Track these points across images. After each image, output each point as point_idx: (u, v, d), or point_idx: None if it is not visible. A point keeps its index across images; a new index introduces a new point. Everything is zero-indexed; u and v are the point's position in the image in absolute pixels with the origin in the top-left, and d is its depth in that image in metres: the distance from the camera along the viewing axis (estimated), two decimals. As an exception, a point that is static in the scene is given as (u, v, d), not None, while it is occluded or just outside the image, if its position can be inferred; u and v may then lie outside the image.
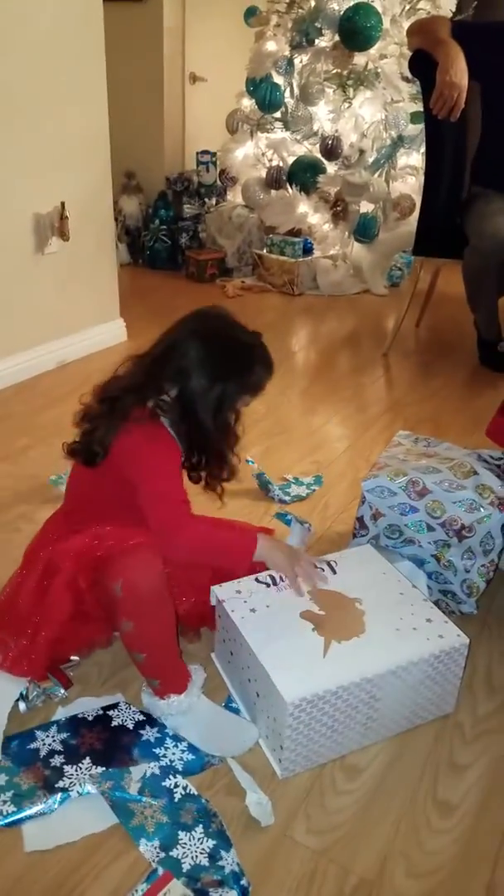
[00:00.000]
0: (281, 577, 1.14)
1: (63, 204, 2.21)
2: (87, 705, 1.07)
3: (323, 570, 1.17)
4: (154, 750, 1.00)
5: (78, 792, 0.93)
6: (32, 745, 1.00)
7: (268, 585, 1.13)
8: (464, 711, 1.13)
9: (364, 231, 3.39)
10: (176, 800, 0.94)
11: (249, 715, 1.08)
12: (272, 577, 1.14)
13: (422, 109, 2.37)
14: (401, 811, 0.97)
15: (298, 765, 0.99)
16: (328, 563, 1.19)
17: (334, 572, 1.17)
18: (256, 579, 1.14)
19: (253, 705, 1.05)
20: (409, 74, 3.20)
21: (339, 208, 3.39)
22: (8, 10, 1.94)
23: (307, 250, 3.42)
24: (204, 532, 1.08)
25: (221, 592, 1.12)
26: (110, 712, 1.06)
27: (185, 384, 1.04)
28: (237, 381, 1.06)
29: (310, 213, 3.43)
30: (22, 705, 1.05)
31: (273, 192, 3.54)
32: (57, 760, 0.98)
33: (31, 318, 2.26)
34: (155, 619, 1.01)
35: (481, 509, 1.21)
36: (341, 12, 3.17)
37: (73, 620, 1.04)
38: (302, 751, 0.98)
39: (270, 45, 3.42)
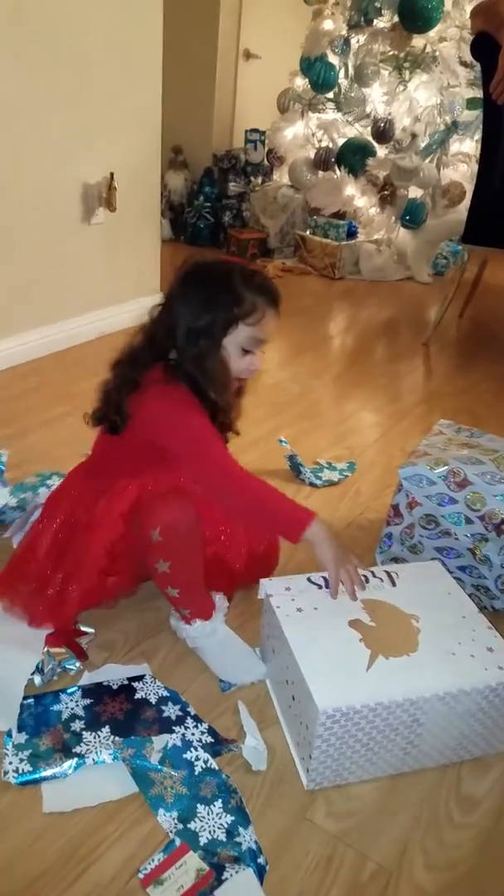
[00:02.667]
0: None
1: (112, 174, 2.20)
2: (113, 672, 1.07)
3: (367, 579, 1.09)
4: (174, 728, 0.99)
5: (94, 760, 0.93)
6: (56, 707, 1.00)
7: (319, 587, 1.07)
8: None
9: (411, 217, 3.32)
10: (196, 773, 0.93)
11: (283, 717, 1.04)
12: (325, 580, 1.08)
13: (478, 96, 2.31)
14: (423, 803, 0.95)
15: (326, 778, 0.95)
16: (387, 574, 1.10)
17: (394, 584, 1.08)
18: (309, 579, 1.09)
19: (288, 708, 1.01)
20: (467, 59, 3.12)
21: (386, 192, 3.32)
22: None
23: (351, 234, 3.37)
24: (262, 491, 1.02)
25: (270, 587, 1.06)
26: (135, 684, 1.05)
27: (178, 333, 1.01)
28: (224, 310, 0.99)
29: (357, 196, 3.38)
30: (37, 678, 1.04)
31: (321, 173, 3.48)
32: (77, 725, 0.98)
33: (74, 287, 2.26)
34: (190, 557, 1.05)
35: (523, 504, 1.18)
36: (402, -8, 3.09)
37: (101, 573, 1.07)
38: (332, 764, 0.93)
39: (327, 24, 3.36)
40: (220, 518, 1.15)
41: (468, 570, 1.26)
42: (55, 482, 1.48)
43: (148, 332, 1.06)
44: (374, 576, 1.10)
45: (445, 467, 1.23)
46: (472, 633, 1.01)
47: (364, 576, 1.08)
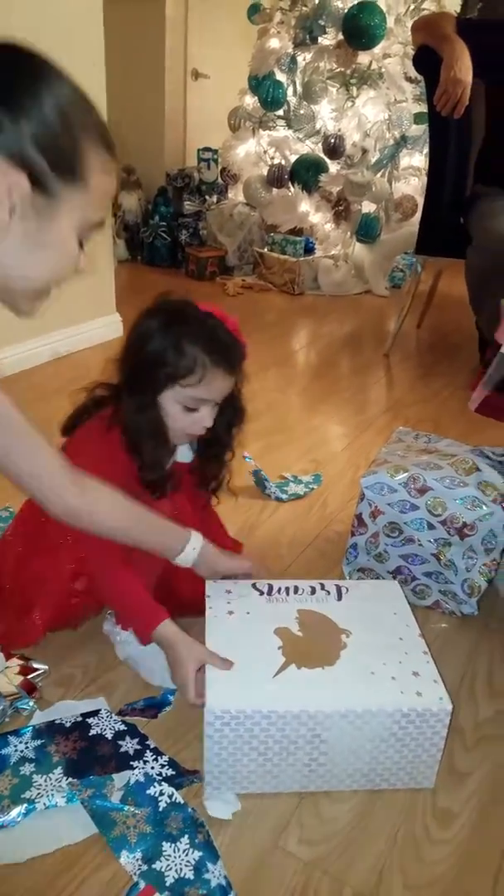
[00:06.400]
0: (279, 590, 1.06)
1: (59, 194, 2.17)
2: (66, 710, 1.01)
3: (314, 590, 1.06)
4: (132, 763, 0.94)
5: (45, 804, 0.87)
6: (5, 751, 0.94)
7: (261, 593, 1.06)
8: (464, 716, 1.08)
9: (366, 231, 3.35)
10: (161, 809, 0.88)
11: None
12: (270, 587, 1.07)
13: (425, 110, 2.34)
14: (399, 820, 0.92)
15: (224, 784, 0.91)
16: (337, 587, 1.08)
17: (339, 598, 1.06)
18: (254, 585, 1.07)
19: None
20: (413, 74, 3.18)
21: (341, 208, 3.36)
22: (6, -5, 1.90)
23: (308, 249, 3.39)
24: (120, 581, 0.98)
25: (211, 588, 1.06)
26: (90, 720, 0.99)
27: (123, 380, 1.01)
28: (163, 367, 0.97)
29: (311, 213, 3.40)
30: None
31: (275, 190, 3.51)
32: (27, 769, 0.91)
33: (25, 310, 2.22)
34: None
35: (483, 507, 1.17)
36: (345, 10, 3.15)
37: (65, 595, 1.05)
38: (227, 769, 0.90)
39: (274, 43, 3.40)
40: None
41: (434, 575, 1.24)
42: None
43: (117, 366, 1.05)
44: (323, 588, 1.08)
45: (405, 474, 1.21)
46: (403, 656, 0.96)
47: (312, 587, 1.07)
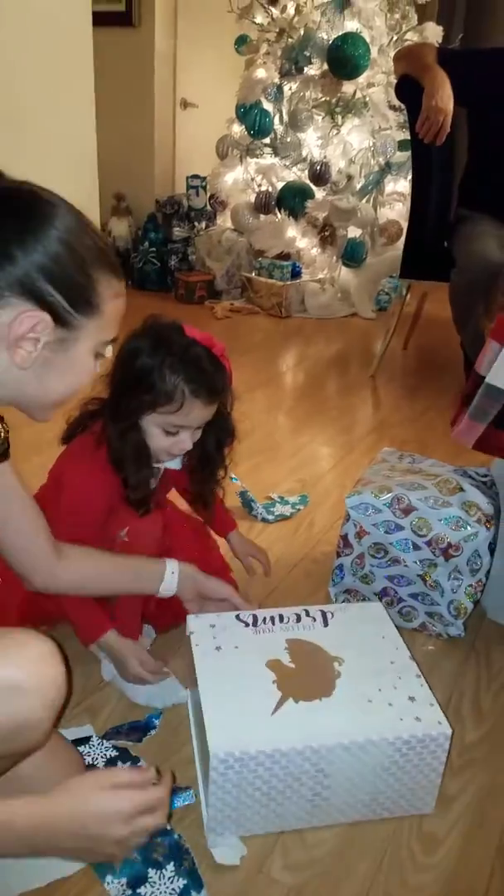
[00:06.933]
0: (264, 620, 1.05)
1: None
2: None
3: (299, 618, 1.05)
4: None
5: None
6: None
7: (246, 625, 1.04)
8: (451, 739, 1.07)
9: (352, 255, 3.40)
10: (146, 834, 0.88)
11: (199, 759, 0.98)
12: (255, 617, 1.05)
13: (409, 137, 2.39)
14: (384, 845, 0.91)
15: (228, 828, 0.88)
16: (322, 613, 1.06)
17: (325, 624, 1.04)
18: (237, 616, 1.05)
19: (200, 748, 0.96)
20: (396, 103, 3.26)
21: (326, 233, 3.41)
22: (-4, 28, 1.95)
23: (295, 274, 3.43)
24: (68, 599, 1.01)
25: (193, 624, 1.03)
26: (81, 747, 0.98)
27: (108, 401, 1.04)
28: (143, 393, 0.99)
29: (298, 238, 3.45)
30: None
31: (262, 216, 3.56)
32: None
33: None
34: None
35: (468, 527, 1.17)
36: (330, 41, 3.23)
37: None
38: (231, 813, 0.87)
39: (260, 73, 3.47)
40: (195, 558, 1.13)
41: (420, 597, 1.24)
42: None
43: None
44: (308, 615, 1.06)
45: (390, 494, 1.22)
46: (397, 681, 0.94)
47: (297, 614, 1.06)
